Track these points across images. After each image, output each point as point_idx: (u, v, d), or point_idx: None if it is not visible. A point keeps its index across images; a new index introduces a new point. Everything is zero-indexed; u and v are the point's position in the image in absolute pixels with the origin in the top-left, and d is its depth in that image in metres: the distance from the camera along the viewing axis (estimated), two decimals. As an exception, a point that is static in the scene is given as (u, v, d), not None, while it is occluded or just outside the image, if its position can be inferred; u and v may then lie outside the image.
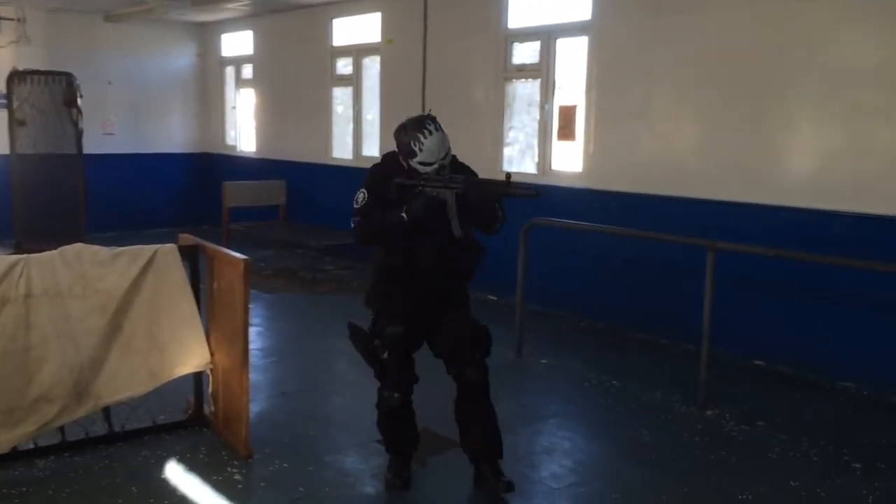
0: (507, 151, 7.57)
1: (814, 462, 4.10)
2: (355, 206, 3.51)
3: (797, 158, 5.52)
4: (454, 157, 3.54)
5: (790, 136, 5.53)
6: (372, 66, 9.09)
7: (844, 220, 5.20)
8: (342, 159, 9.55)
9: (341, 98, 9.60)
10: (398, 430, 3.71)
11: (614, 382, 5.28)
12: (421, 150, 3.35)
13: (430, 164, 3.38)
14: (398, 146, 3.47)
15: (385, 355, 3.57)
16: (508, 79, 7.47)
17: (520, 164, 7.48)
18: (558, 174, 7.12)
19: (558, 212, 6.23)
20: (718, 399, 4.88)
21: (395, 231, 3.42)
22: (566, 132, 7.13)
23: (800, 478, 3.91)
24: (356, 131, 9.35)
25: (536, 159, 7.27)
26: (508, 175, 3.27)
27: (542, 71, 7.15)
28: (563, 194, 6.87)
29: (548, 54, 7.10)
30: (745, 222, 5.62)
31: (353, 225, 3.51)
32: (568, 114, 7.10)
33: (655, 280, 6.27)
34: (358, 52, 9.20)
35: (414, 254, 3.46)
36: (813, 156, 5.43)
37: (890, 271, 4.70)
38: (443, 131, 3.40)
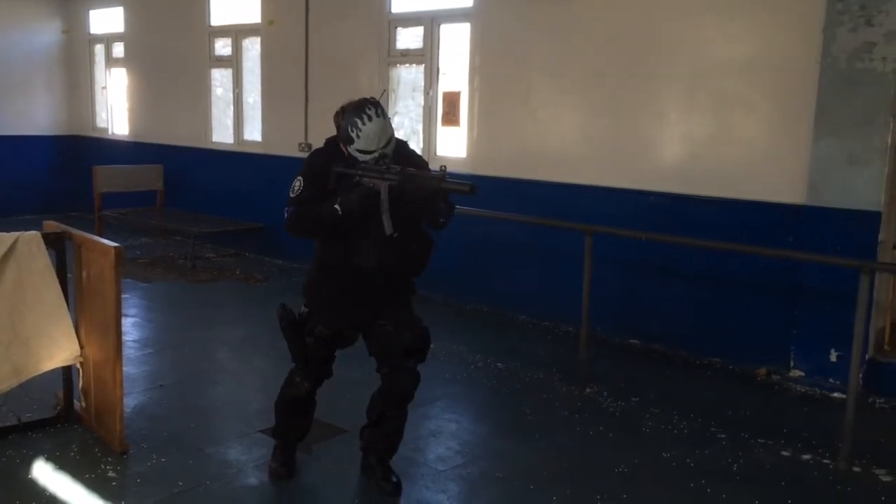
0: (391, 137, 7.53)
1: (684, 434, 4.33)
2: (290, 194, 3.24)
3: (668, 146, 5.77)
4: (404, 143, 3.36)
5: (662, 125, 5.78)
6: (252, 47, 8.83)
7: (711, 204, 5.49)
8: (223, 143, 9.27)
9: (220, 80, 9.29)
10: (296, 417, 3.60)
11: (498, 364, 5.39)
12: (358, 136, 3.08)
13: (369, 153, 3.11)
14: (337, 131, 3.23)
15: (313, 354, 3.41)
16: (392, 63, 7.44)
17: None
18: (443, 160, 7.15)
19: (443, 197, 6.27)
20: (596, 377, 5.06)
21: (329, 224, 3.15)
22: (450, 118, 7.18)
23: (671, 449, 4.12)
24: (237, 115, 9.07)
25: (421, 145, 7.29)
26: (443, 168, 3.02)
27: (426, 56, 7.17)
28: (447, 180, 6.91)
29: (431, 40, 7.12)
30: (620, 207, 5.84)
31: (285, 215, 3.25)
32: (452, 100, 7.15)
33: (536, 263, 6.43)
34: (237, 33, 8.91)
35: (353, 250, 3.21)
36: (682, 144, 5.70)
37: (749, 253, 5.01)
38: (385, 117, 3.12)
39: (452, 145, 7.17)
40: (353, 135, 3.10)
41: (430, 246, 3.33)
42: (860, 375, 4.48)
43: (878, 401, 4.83)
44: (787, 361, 5.21)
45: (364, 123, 3.07)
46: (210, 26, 9.19)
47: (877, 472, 3.90)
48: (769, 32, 5.24)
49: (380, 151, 3.11)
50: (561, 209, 5.93)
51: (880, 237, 4.84)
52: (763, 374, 5.27)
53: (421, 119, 7.30)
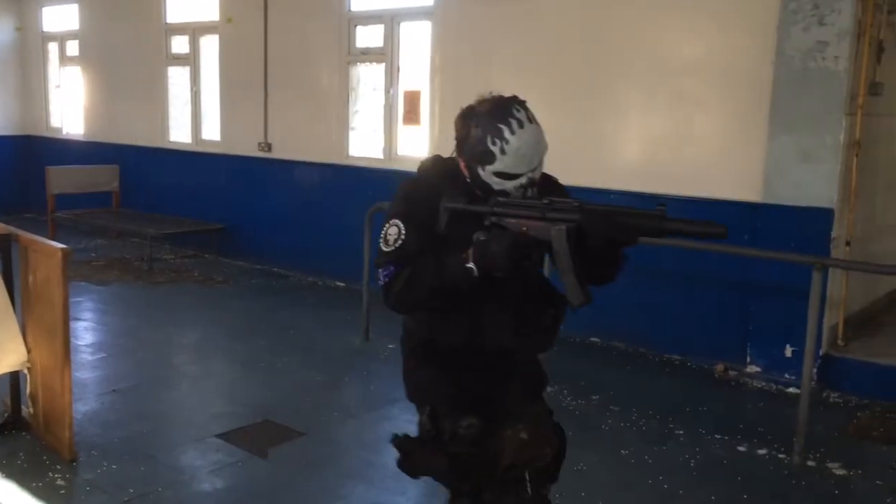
0: (352, 136, 7.49)
1: (642, 431, 4.35)
2: (384, 248, 2.18)
3: (628, 145, 5.81)
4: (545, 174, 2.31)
5: (622, 124, 5.81)
6: (210, 45, 8.70)
7: (669, 202, 5.48)
8: (180, 143, 9.11)
9: (177, 78, 9.13)
10: None
11: (459, 364, 5.36)
12: (504, 152, 2.08)
13: (514, 177, 2.12)
14: (460, 143, 2.19)
15: (468, 463, 2.27)
16: (353, 62, 7.38)
17: (367, 149, 7.43)
18: (404, 159, 7.12)
19: (403, 196, 6.26)
20: (558, 376, 5.03)
21: (454, 288, 2.13)
22: (411, 117, 7.15)
23: (629, 446, 4.13)
24: (195, 114, 8.93)
25: (383, 144, 7.24)
26: (663, 206, 2.12)
27: (387, 55, 7.12)
28: (408, 179, 6.90)
29: (392, 38, 7.07)
30: (580, 205, 5.84)
31: (383, 280, 2.19)
32: (413, 99, 7.12)
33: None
34: (195, 31, 8.77)
35: (482, 324, 2.22)
36: (642, 143, 5.74)
37: (705, 250, 5.05)
38: (538, 124, 2.16)
39: (414, 144, 7.14)
40: (496, 149, 2.09)
41: (565, 307, 2.30)
42: (814, 370, 4.55)
43: (831, 395, 4.90)
44: (744, 357, 5.26)
45: (513, 132, 2.10)
46: (166, 24, 9.03)
47: (830, 465, 3.95)
48: (725, 32, 5.29)
49: (528, 176, 2.14)
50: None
51: (833, 234, 4.91)
52: (721, 370, 5.32)
53: (382, 118, 7.24)
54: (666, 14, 5.51)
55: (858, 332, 5.44)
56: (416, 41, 7.05)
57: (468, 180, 2.19)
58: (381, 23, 7.15)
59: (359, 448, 4.02)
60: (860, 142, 4.99)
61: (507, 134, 2.09)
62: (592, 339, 5.96)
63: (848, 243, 5.09)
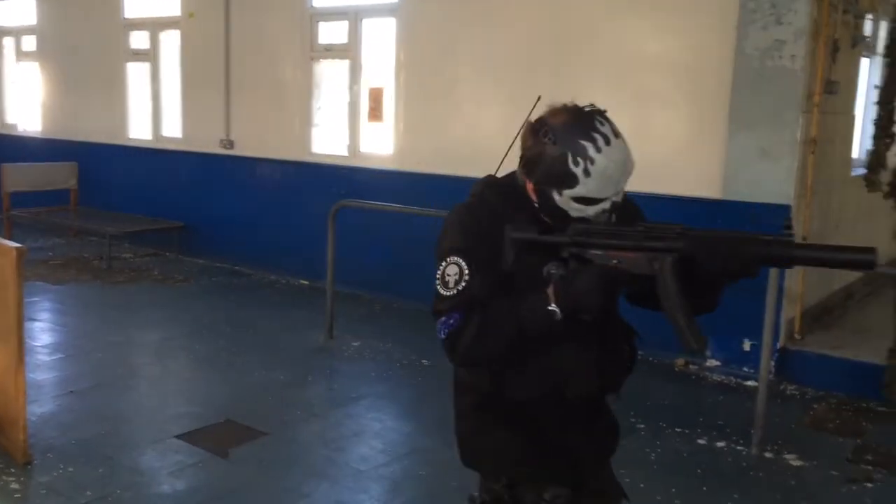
0: (316, 133, 7.45)
1: (605, 426, 4.38)
2: (444, 292, 1.83)
3: (590, 141, 5.84)
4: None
5: (583, 121, 5.83)
6: (170, 40, 8.57)
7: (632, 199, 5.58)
8: (140, 140, 8.97)
9: (137, 74, 8.98)
10: None
11: (424, 362, 5.36)
12: (588, 172, 1.74)
13: (596, 202, 1.77)
14: (530, 163, 1.84)
15: None
16: (316, 58, 7.33)
17: (330, 146, 7.39)
18: (368, 156, 7.10)
19: (368, 193, 6.26)
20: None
21: (534, 336, 1.78)
22: (375, 114, 7.12)
23: (592, 441, 4.16)
24: (155, 110, 8.79)
25: (347, 141, 7.20)
26: (790, 229, 1.67)
27: (350, 51, 7.08)
28: (372, 176, 6.88)
29: (355, 35, 7.03)
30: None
31: (445, 331, 1.83)
32: (377, 95, 7.09)
33: (463, 260, 6.42)
34: (154, 26, 8.63)
35: (563, 370, 1.88)
36: (603, 139, 5.77)
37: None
38: (624, 138, 1.81)
39: (378, 142, 7.11)
40: (578, 170, 1.74)
41: (637, 341, 2.07)
42: (772, 364, 4.63)
43: (788, 388, 5.00)
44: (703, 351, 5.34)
45: (599, 150, 1.75)
46: (125, 19, 8.88)
47: (787, 457, 4.03)
48: (686, 30, 5.34)
49: (612, 199, 1.79)
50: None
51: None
52: (681, 364, 5.39)
53: (346, 115, 7.20)
54: (628, 12, 5.56)
55: (815, 325, 5.55)
56: (381, 37, 7.02)
57: (536, 205, 1.85)
58: (344, 19, 7.10)
59: (322, 447, 4.00)
60: (816, 139, 5.09)
61: (591, 152, 1.74)
62: (556, 335, 5.99)
63: (804, 239, 5.18)
